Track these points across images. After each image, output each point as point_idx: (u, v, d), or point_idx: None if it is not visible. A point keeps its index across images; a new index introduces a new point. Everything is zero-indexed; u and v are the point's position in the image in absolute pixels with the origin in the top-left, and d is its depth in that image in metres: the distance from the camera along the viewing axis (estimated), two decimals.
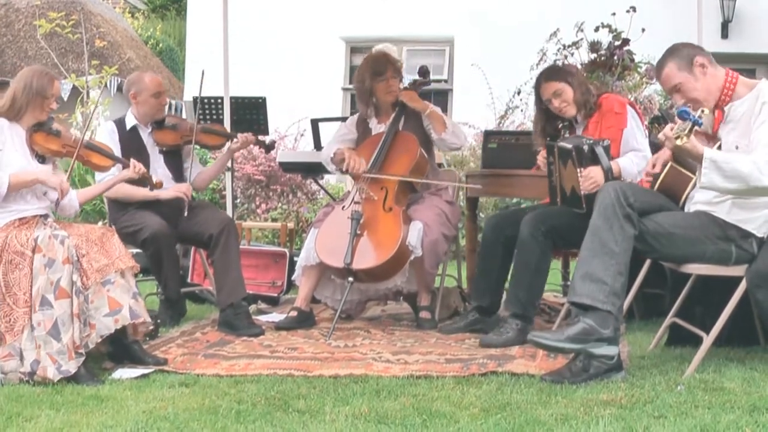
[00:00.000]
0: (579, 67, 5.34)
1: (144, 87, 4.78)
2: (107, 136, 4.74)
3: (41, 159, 3.96)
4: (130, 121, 4.84)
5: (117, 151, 4.57)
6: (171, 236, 4.67)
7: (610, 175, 3.93)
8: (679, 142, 3.23)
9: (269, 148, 5.38)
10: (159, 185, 4.43)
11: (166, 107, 4.96)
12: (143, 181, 4.36)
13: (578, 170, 3.94)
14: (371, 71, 4.94)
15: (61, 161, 4.23)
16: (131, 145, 4.72)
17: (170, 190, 4.71)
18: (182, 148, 4.96)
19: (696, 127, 3.26)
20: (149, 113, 4.83)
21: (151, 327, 3.90)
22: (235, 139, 5.02)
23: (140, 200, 4.66)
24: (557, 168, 4.14)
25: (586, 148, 3.94)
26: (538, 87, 4.42)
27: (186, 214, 4.68)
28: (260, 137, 5.20)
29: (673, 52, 3.55)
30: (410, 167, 4.77)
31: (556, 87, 4.31)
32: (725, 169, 3.27)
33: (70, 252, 3.56)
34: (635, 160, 4.22)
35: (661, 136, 3.35)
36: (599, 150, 3.94)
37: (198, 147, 5.14)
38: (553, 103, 4.33)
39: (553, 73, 4.42)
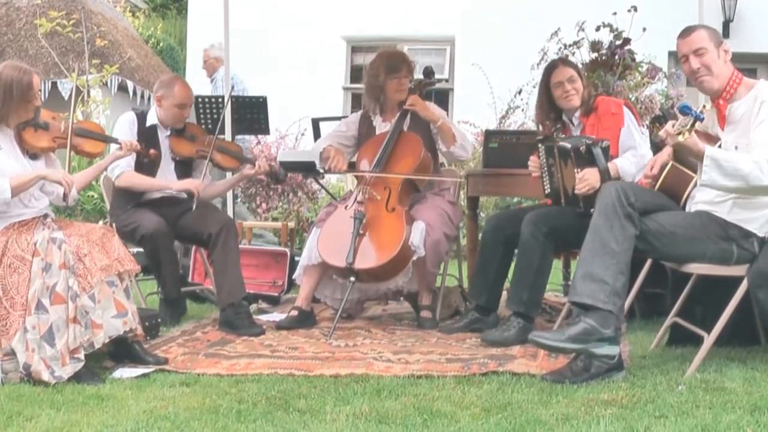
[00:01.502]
0: (579, 66, 5.34)
1: (170, 94, 4.75)
2: (126, 126, 4.74)
3: (33, 156, 3.90)
4: (152, 119, 4.82)
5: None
6: (168, 234, 4.66)
7: (607, 177, 3.94)
8: (681, 138, 3.23)
9: (280, 181, 5.36)
10: (154, 156, 4.40)
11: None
12: (141, 157, 4.34)
13: (575, 171, 3.96)
14: (386, 68, 4.91)
15: (57, 153, 4.16)
16: (147, 142, 4.71)
17: (181, 182, 4.72)
18: (195, 160, 4.93)
19: (698, 123, 3.26)
20: (169, 121, 4.81)
21: (142, 334, 3.88)
22: (249, 166, 4.93)
23: (151, 189, 4.66)
24: (559, 168, 4.13)
25: (583, 148, 3.95)
26: (552, 69, 4.41)
27: (194, 208, 4.64)
28: (275, 169, 5.08)
29: (706, 26, 3.60)
30: (414, 167, 4.76)
31: (572, 73, 4.36)
32: (725, 168, 3.27)
33: (67, 257, 3.54)
34: (632, 159, 4.23)
35: (662, 133, 3.35)
36: (596, 151, 3.94)
37: (210, 164, 5.08)
38: (564, 87, 4.33)
39: (570, 62, 4.53)
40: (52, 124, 3.94)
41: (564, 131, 4.41)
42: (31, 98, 3.79)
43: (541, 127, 4.55)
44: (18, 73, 3.76)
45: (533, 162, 4.35)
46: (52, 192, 3.95)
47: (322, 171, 5.12)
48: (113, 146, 4.41)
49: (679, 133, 3.23)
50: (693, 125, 3.22)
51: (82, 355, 3.51)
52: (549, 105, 4.42)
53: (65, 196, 3.82)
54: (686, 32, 3.57)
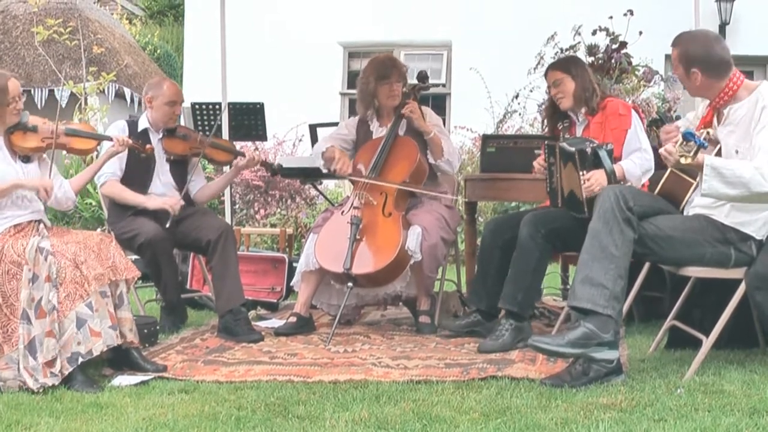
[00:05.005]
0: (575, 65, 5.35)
1: (160, 93, 4.77)
2: (117, 134, 4.73)
3: (26, 159, 3.93)
4: (143, 124, 4.84)
5: (125, 151, 4.59)
6: (167, 242, 4.65)
7: (613, 179, 3.92)
8: (683, 160, 3.24)
9: (275, 171, 5.37)
10: (150, 150, 4.42)
11: (179, 117, 4.93)
12: (138, 153, 4.39)
13: (580, 173, 3.94)
14: (376, 74, 4.92)
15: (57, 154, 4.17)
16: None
17: (158, 200, 4.68)
18: (189, 159, 4.93)
19: (701, 150, 3.27)
20: (161, 120, 4.81)
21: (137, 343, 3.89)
22: (242, 158, 4.96)
23: (129, 203, 4.66)
24: (558, 169, 4.12)
25: (589, 150, 3.94)
26: (545, 74, 4.55)
27: (167, 226, 4.60)
28: (268, 159, 5.13)
29: (688, 42, 3.54)
30: (410, 172, 4.76)
31: (556, 76, 4.42)
32: (726, 176, 3.27)
33: (51, 270, 3.55)
34: (638, 161, 4.23)
35: (663, 152, 3.37)
36: (602, 153, 3.93)
37: (205, 161, 5.07)
38: (552, 91, 4.44)
39: (558, 63, 4.59)
40: (41, 127, 3.97)
41: (570, 128, 4.43)
42: (7, 102, 3.81)
43: (546, 121, 4.61)
44: None
45: (540, 160, 4.38)
46: (41, 201, 3.96)
47: (326, 171, 5.11)
48: (106, 144, 4.43)
49: (681, 156, 3.24)
50: (696, 152, 3.24)
51: (56, 370, 3.49)
52: (554, 106, 4.52)
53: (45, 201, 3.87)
54: (673, 43, 3.59)
